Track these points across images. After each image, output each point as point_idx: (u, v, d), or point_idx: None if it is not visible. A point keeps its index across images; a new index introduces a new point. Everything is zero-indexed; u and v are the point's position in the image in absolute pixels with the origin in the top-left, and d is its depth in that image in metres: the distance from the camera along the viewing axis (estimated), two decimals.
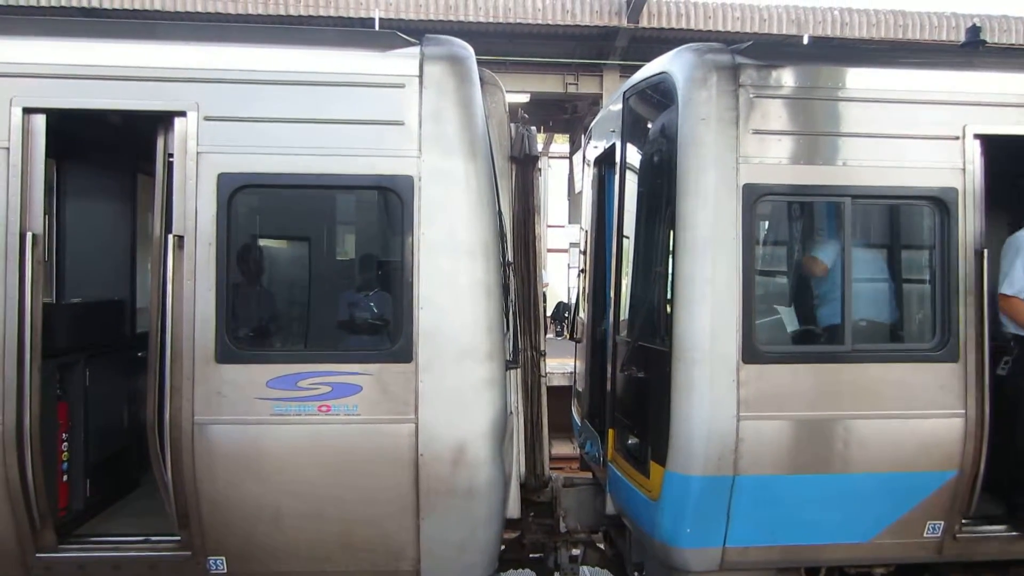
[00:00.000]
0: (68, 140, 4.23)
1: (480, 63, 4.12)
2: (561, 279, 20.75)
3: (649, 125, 4.66)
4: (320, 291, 4.37)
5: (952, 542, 4.20)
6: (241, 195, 3.83)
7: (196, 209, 3.75)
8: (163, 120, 3.84)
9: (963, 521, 4.22)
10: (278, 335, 4.29)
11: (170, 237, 3.74)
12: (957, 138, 4.12)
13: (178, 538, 3.89)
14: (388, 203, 4.00)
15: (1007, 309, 4.39)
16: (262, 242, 4.33)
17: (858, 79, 4.17)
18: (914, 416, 4.06)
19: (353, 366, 3.79)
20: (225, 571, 3.88)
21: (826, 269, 4.32)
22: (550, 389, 5.25)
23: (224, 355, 3.75)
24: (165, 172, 3.87)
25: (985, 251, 4.11)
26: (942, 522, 4.15)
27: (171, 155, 3.83)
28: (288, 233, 4.50)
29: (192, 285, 3.75)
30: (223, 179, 3.75)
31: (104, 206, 5.20)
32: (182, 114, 3.76)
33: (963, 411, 4.06)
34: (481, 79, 4.12)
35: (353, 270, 4.58)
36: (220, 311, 3.76)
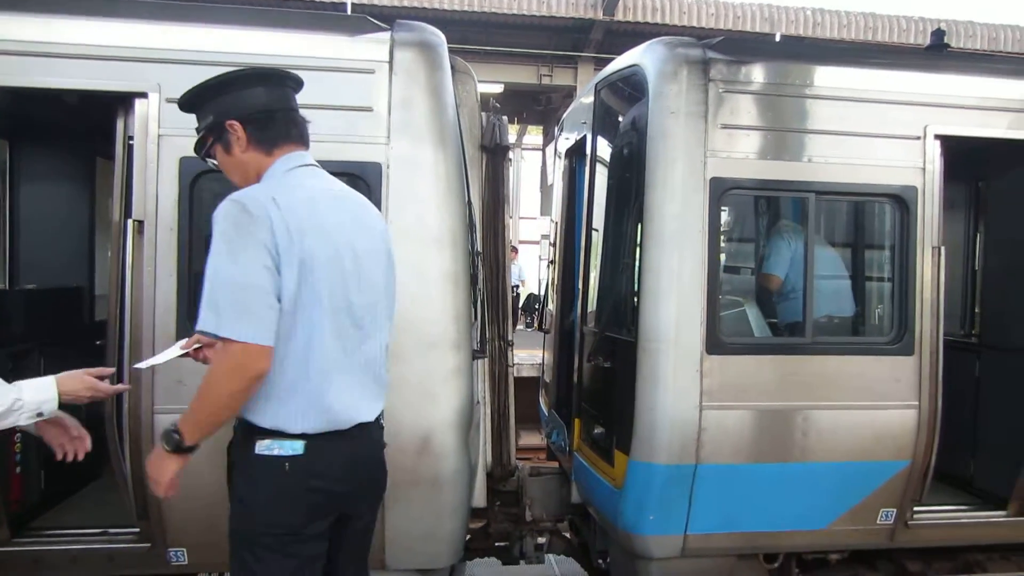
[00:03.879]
0: (23, 120, 4.12)
1: (453, 52, 4.09)
2: (532, 271, 20.79)
3: (620, 118, 4.68)
4: None
5: (904, 529, 4.31)
6: (204, 180, 3.76)
7: (157, 193, 3.67)
8: (123, 101, 3.74)
9: (914, 509, 4.34)
10: None
11: (129, 222, 3.66)
12: (919, 138, 4.20)
13: (137, 530, 3.83)
14: (356, 190, 3.95)
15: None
16: None
17: (826, 77, 4.22)
18: (871, 407, 4.15)
19: None
20: (186, 562, 3.83)
21: (780, 283, 4.39)
22: (520, 380, 5.26)
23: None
24: (125, 155, 3.77)
25: (942, 248, 4.21)
26: (895, 509, 4.25)
27: (131, 138, 3.74)
28: None
29: (152, 271, 3.67)
30: (185, 163, 3.67)
31: (61, 189, 5.07)
32: (143, 95, 3.67)
33: (917, 403, 4.16)
34: (452, 67, 4.09)
35: None
36: (182, 298, 3.69)
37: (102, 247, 5.14)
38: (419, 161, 3.80)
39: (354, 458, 2.40)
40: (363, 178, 3.78)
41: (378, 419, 2.45)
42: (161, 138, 3.67)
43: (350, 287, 2.34)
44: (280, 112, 2.41)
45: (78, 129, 4.75)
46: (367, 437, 2.40)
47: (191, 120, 3.66)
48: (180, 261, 3.68)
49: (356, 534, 2.56)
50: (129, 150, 3.75)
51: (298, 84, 2.58)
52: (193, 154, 3.63)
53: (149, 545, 3.80)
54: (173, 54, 3.71)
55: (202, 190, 3.79)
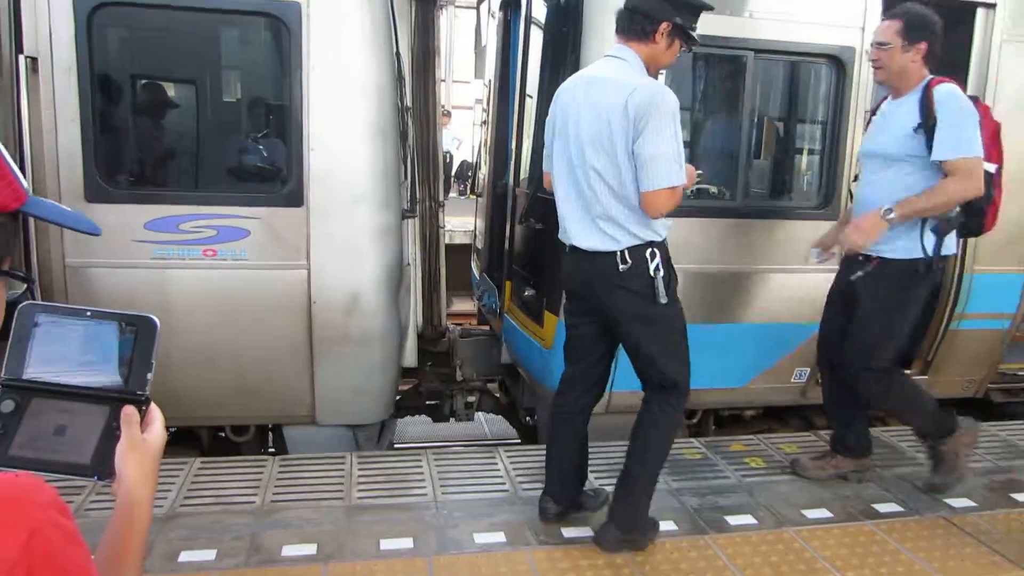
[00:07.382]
0: None
1: None
2: (466, 137, 20.24)
3: None
4: (201, 127, 4.05)
5: (814, 386, 4.57)
6: (103, 15, 3.41)
7: (50, 28, 3.33)
8: None
9: None
10: (155, 175, 3.98)
11: (21, 58, 3.32)
12: None
13: None
14: (275, 33, 3.67)
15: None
16: (133, 71, 3.91)
17: None
18: (795, 271, 4.28)
19: (239, 209, 3.59)
20: None
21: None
22: (452, 247, 5.20)
23: (94, 194, 3.47)
24: None
25: None
26: (808, 369, 4.50)
27: None
28: (163, 62, 4.06)
29: (52, 115, 3.39)
30: None
31: None
32: None
33: (837, 267, 4.29)
34: None
35: (237, 106, 4.25)
36: (87, 146, 3.43)
37: None
38: (342, 2, 3.52)
39: (570, 267, 3.11)
40: (282, 19, 3.51)
41: (600, 252, 2.94)
42: None
43: (571, 145, 2.94)
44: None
45: None
46: (579, 257, 3.02)
47: None
48: (83, 104, 3.40)
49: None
50: None
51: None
52: None
53: None
54: None
55: (102, 27, 3.45)
